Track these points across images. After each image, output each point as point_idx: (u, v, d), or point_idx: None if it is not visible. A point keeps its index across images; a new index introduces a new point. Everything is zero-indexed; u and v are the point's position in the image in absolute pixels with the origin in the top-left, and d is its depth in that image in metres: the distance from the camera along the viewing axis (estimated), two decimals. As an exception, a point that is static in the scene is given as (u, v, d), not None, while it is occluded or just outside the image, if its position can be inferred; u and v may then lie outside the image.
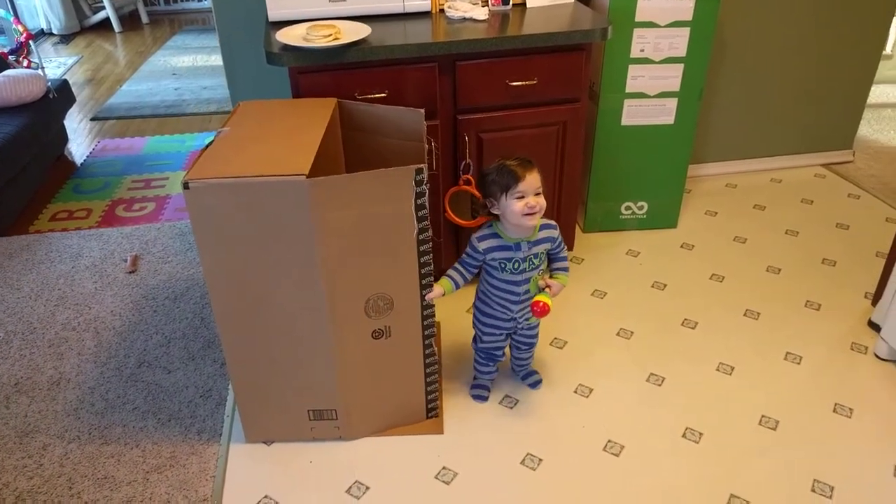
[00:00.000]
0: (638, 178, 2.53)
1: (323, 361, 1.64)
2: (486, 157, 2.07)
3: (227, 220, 1.43)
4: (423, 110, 1.73)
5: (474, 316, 1.83)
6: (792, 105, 2.97)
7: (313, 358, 1.63)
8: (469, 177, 2.01)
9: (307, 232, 1.45)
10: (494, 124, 2.05)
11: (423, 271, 1.58)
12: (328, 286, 1.52)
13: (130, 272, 2.51)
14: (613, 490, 1.64)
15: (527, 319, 1.78)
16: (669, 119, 2.41)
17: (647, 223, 2.65)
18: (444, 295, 1.66)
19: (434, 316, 1.67)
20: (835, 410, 1.84)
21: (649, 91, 2.35)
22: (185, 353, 2.10)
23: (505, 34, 1.94)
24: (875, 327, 2.09)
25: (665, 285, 2.36)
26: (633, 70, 2.31)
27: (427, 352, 1.71)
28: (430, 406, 1.81)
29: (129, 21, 6.04)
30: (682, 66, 2.31)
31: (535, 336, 1.86)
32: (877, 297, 2.13)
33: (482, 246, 1.66)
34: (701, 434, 1.78)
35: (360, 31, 1.89)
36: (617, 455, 1.73)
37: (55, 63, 4.96)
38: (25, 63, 3.54)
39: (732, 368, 1.99)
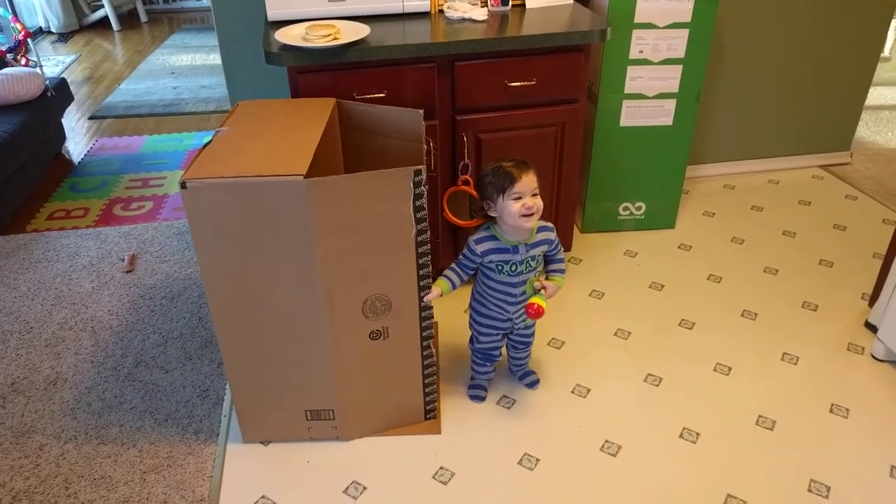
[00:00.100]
0: (636, 178, 2.53)
1: (320, 361, 1.64)
2: (485, 158, 2.07)
3: (225, 219, 1.43)
4: (421, 111, 1.73)
5: (471, 317, 1.83)
6: (790, 106, 2.97)
7: (310, 358, 1.63)
8: (467, 177, 2.01)
9: (305, 232, 1.45)
10: (493, 125, 2.05)
11: (421, 273, 1.58)
12: (326, 286, 1.52)
13: (128, 271, 2.50)
14: (610, 490, 1.64)
15: (523, 320, 1.78)
16: (668, 120, 2.41)
17: (645, 224, 2.65)
18: (441, 296, 1.66)
19: (432, 318, 1.67)
20: (831, 411, 1.85)
21: (648, 92, 2.36)
22: (183, 353, 2.10)
23: (504, 35, 1.94)
24: (872, 328, 2.10)
25: (663, 286, 2.36)
26: (631, 71, 2.31)
27: (425, 353, 1.71)
28: (427, 408, 1.81)
29: (128, 19, 6.03)
30: (680, 67, 2.31)
31: (532, 335, 1.87)
32: (874, 299, 2.14)
33: (479, 248, 1.66)
34: (698, 434, 1.78)
35: (360, 31, 1.89)
36: (614, 455, 1.73)
37: (53, 61, 4.95)
38: (23, 61, 3.53)
39: (730, 369, 1.99)
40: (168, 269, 2.51)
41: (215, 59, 4.94)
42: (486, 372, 1.90)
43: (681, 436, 1.78)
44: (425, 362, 1.73)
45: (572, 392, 1.92)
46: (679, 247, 2.58)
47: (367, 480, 1.68)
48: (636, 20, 2.22)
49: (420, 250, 1.55)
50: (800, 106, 2.98)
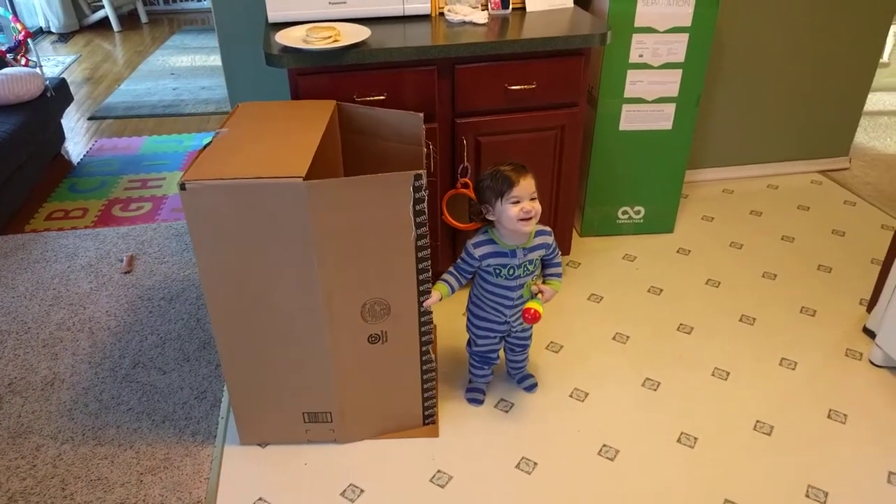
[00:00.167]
0: (635, 182, 2.54)
1: (318, 364, 1.63)
2: (485, 161, 2.07)
3: (224, 221, 1.43)
4: (421, 114, 1.73)
5: (468, 320, 1.83)
6: (789, 112, 2.98)
7: (309, 360, 1.63)
8: (467, 180, 2.01)
9: (304, 234, 1.45)
10: (493, 128, 2.05)
11: (420, 278, 1.58)
12: (325, 289, 1.52)
13: (126, 272, 2.50)
14: (608, 494, 1.64)
15: (520, 323, 1.78)
16: (667, 124, 2.42)
17: (644, 228, 2.65)
18: (440, 300, 1.65)
19: (432, 323, 1.66)
20: (829, 416, 1.85)
21: (647, 96, 2.36)
22: (181, 355, 2.09)
23: (504, 38, 1.94)
24: (870, 334, 2.10)
25: (661, 290, 2.36)
26: (631, 75, 2.32)
27: (424, 359, 1.71)
28: (426, 413, 1.80)
29: (128, 20, 6.03)
30: (680, 71, 2.31)
31: (529, 338, 1.86)
32: (872, 304, 2.14)
33: (478, 252, 1.66)
34: (696, 439, 1.78)
35: (360, 33, 1.89)
36: (612, 459, 1.73)
37: (53, 61, 4.95)
38: (23, 61, 3.53)
39: (728, 374, 1.99)
40: (166, 270, 2.51)
41: (215, 60, 4.94)
42: (484, 375, 1.90)
43: (679, 440, 1.78)
44: (424, 368, 1.72)
45: (570, 396, 1.92)
46: (678, 251, 2.58)
47: (364, 483, 1.67)
48: (636, 24, 2.23)
49: (420, 255, 1.54)
50: (799, 111, 2.98)
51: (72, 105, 3.79)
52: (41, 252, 2.63)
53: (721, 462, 1.72)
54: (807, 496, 1.63)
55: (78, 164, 3.41)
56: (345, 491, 1.65)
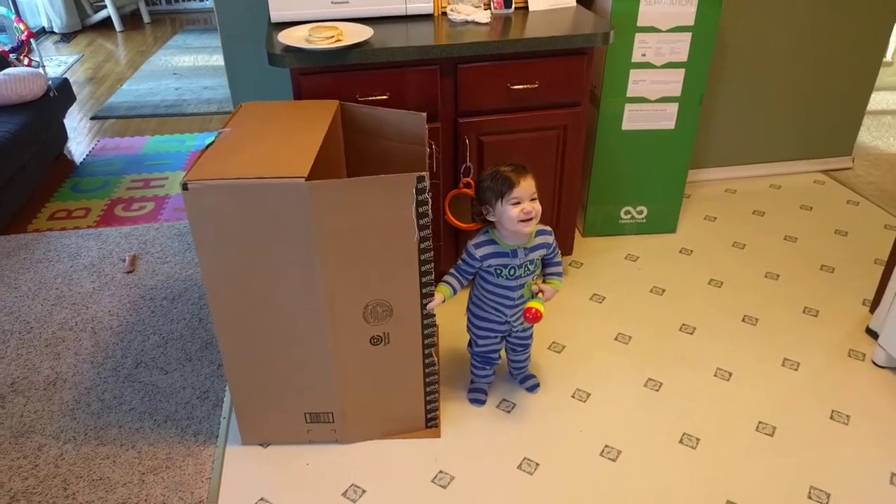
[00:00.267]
0: (638, 182, 2.53)
1: (320, 364, 1.63)
2: (487, 161, 2.07)
3: (226, 221, 1.43)
4: (424, 114, 1.72)
5: (468, 320, 1.83)
6: (792, 111, 2.97)
7: (311, 360, 1.63)
8: (469, 180, 2.00)
9: (306, 234, 1.45)
10: (495, 127, 2.05)
11: (423, 280, 1.57)
12: (327, 289, 1.52)
13: (128, 272, 2.50)
14: (610, 495, 1.64)
15: (521, 323, 1.78)
16: (670, 124, 2.41)
17: (647, 228, 2.65)
18: (443, 302, 1.65)
19: (435, 325, 1.66)
20: (832, 417, 1.84)
21: (650, 96, 2.35)
22: (183, 354, 2.09)
23: (507, 37, 1.94)
24: (873, 334, 2.09)
25: (664, 290, 2.36)
26: (634, 74, 2.31)
27: (427, 361, 1.70)
28: (429, 416, 1.80)
29: (131, 20, 6.04)
30: (683, 71, 2.31)
31: (530, 338, 1.86)
32: (875, 304, 2.13)
33: (479, 253, 1.66)
34: (698, 440, 1.78)
35: (362, 32, 1.89)
36: (614, 460, 1.72)
37: (56, 61, 4.96)
38: (26, 61, 3.54)
39: (730, 374, 1.99)
40: (169, 269, 2.51)
41: (217, 60, 4.94)
42: (486, 375, 1.90)
43: (681, 441, 1.78)
44: (427, 370, 1.72)
45: (572, 396, 1.92)
46: (680, 251, 2.57)
47: (366, 483, 1.67)
48: (639, 23, 2.22)
49: (423, 257, 1.54)
50: (802, 110, 2.98)
51: (74, 105, 3.79)
52: (44, 252, 2.63)
53: (723, 463, 1.71)
54: (809, 497, 1.62)
55: (80, 163, 3.41)
56: (346, 491, 1.65)
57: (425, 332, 1.65)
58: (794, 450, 1.75)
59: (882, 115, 3.75)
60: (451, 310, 2.17)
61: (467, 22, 2.07)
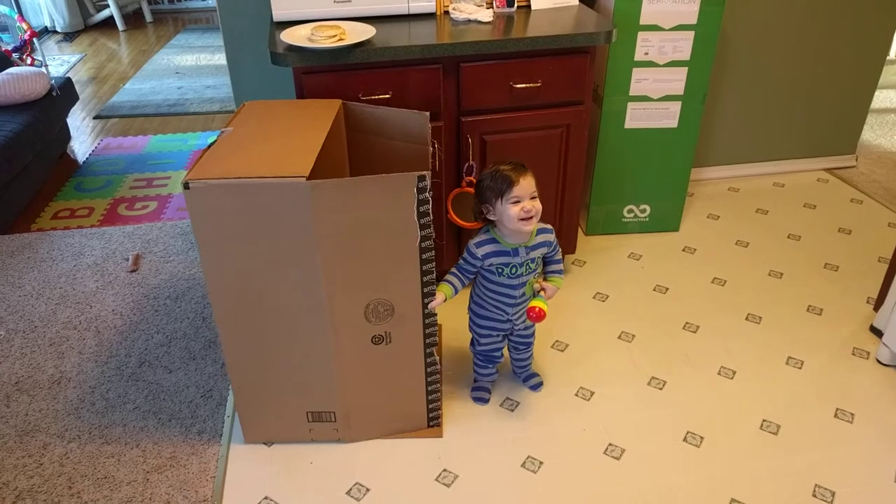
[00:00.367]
0: (641, 181, 2.53)
1: (322, 363, 1.63)
2: (490, 159, 2.07)
3: (228, 220, 1.43)
4: (427, 113, 1.72)
5: (470, 319, 1.83)
6: (795, 109, 2.96)
7: (312, 359, 1.63)
8: (472, 178, 2.01)
9: (307, 234, 1.45)
10: (498, 126, 2.05)
11: (425, 279, 1.57)
12: (328, 289, 1.52)
13: (132, 271, 2.51)
14: (613, 493, 1.63)
15: (523, 321, 1.78)
16: (673, 122, 2.41)
17: (650, 226, 2.65)
18: (445, 301, 1.65)
19: (436, 325, 1.66)
20: (836, 416, 1.84)
21: (653, 94, 2.35)
22: (187, 353, 2.10)
23: (509, 36, 1.94)
24: (877, 332, 2.09)
25: (667, 289, 2.35)
26: (636, 73, 2.31)
27: (428, 361, 1.70)
28: (431, 416, 1.80)
29: (133, 19, 6.05)
30: (685, 69, 2.30)
31: (532, 336, 1.86)
32: (879, 303, 2.13)
33: (480, 252, 1.66)
34: (702, 438, 1.78)
35: (365, 31, 1.89)
36: (618, 458, 1.72)
37: (59, 61, 4.96)
38: (29, 61, 3.54)
39: (734, 373, 1.99)
40: (172, 268, 2.51)
41: (220, 59, 4.94)
42: (489, 374, 1.90)
43: (685, 439, 1.78)
44: (429, 370, 1.72)
45: (576, 395, 1.92)
46: (683, 250, 2.57)
47: (370, 482, 1.67)
48: (642, 22, 2.22)
49: (424, 256, 1.54)
50: (805, 108, 2.97)
51: (77, 104, 3.80)
52: (47, 251, 2.63)
53: (727, 461, 1.71)
54: (814, 496, 1.62)
55: (84, 163, 3.42)
56: (350, 490, 1.66)
57: (427, 331, 1.65)
58: (799, 448, 1.75)
59: (886, 113, 3.74)
60: (453, 309, 2.18)
61: (470, 21, 2.07)
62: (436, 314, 1.64)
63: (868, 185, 3.00)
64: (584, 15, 2.12)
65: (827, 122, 3.03)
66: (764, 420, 1.83)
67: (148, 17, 6.08)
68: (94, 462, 1.74)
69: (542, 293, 1.70)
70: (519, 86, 1.99)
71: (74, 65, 4.90)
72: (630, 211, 2.61)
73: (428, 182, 1.44)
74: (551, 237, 1.72)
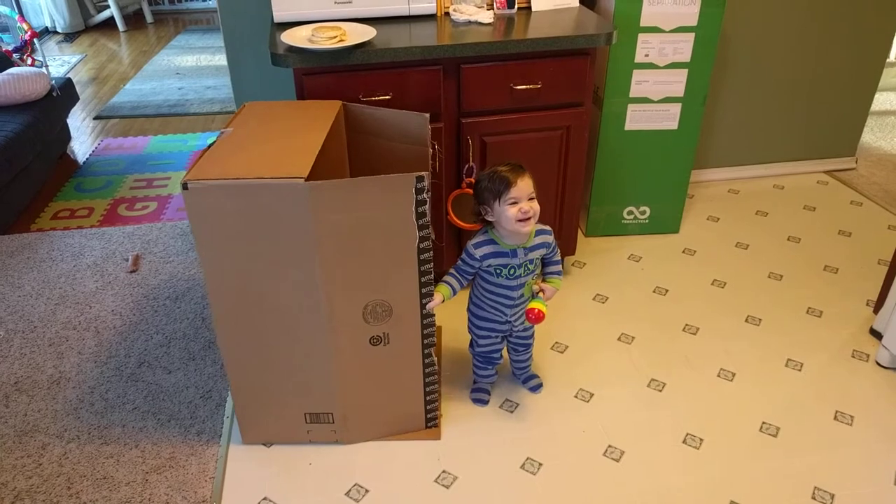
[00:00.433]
0: (641, 182, 2.53)
1: (320, 364, 1.63)
2: (490, 161, 2.07)
3: (226, 221, 1.43)
4: (427, 115, 1.72)
5: (469, 320, 1.83)
6: (795, 111, 2.97)
7: (310, 360, 1.63)
8: (472, 180, 2.01)
9: (306, 235, 1.45)
10: (498, 128, 2.05)
11: (423, 280, 1.57)
12: (326, 289, 1.52)
13: (132, 272, 2.50)
14: (613, 495, 1.63)
15: (521, 322, 1.77)
16: (673, 124, 2.41)
17: (650, 228, 2.65)
18: (443, 302, 1.65)
19: (434, 325, 1.66)
20: (836, 418, 1.84)
21: (653, 96, 2.35)
22: (186, 354, 2.10)
23: (510, 38, 1.94)
24: (877, 335, 2.09)
25: (667, 290, 2.35)
26: (637, 75, 2.31)
27: (426, 361, 1.70)
28: (429, 416, 1.80)
29: (134, 20, 6.05)
30: (686, 71, 2.31)
31: (531, 337, 1.86)
32: (879, 305, 2.13)
33: (479, 253, 1.66)
34: (701, 440, 1.77)
35: (366, 33, 1.89)
36: (617, 460, 1.72)
37: (59, 61, 4.97)
38: (29, 61, 3.54)
39: (733, 375, 1.99)
40: (172, 269, 2.51)
41: (220, 60, 4.95)
42: (488, 375, 1.90)
43: (684, 441, 1.77)
44: (426, 370, 1.72)
45: (575, 396, 1.92)
46: (683, 251, 2.57)
47: (369, 483, 1.67)
48: (642, 24, 2.22)
49: (422, 257, 1.54)
50: (805, 110, 2.97)
51: (77, 105, 3.80)
52: (47, 251, 2.63)
53: (726, 463, 1.71)
54: (813, 498, 1.62)
55: (84, 163, 3.42)
56: (349, 491, 1.65)
57: (424, 331, 1.65)
58: (798, 450, 1.75)
59: (886, 115, 3.74)
60: (453, 310, 2.18)
61: (470, 22, 2.07)
62: (434, 315, 1.64)
63: (868, 188, 3.00)
64: (585, 16, 2.12)
65: (827, 125, 3.03)
66: (763, 422, 1.83)
67: (148, 18, 6.08)
68: (93, 462, 1.74)
69: (540, 294, 1.70)
70: (519, 87, 1.99)
71: (75, 65, 4.90)
72: (630, 213, 2.61)
73: (426, 182, 1.44)
74: (550, 238, 1.72)
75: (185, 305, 2.31)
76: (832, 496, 1.62)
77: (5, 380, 2.02)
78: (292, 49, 1.84)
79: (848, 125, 3.06)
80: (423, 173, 1.43)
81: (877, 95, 3.04)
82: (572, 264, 2.48)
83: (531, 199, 1.60)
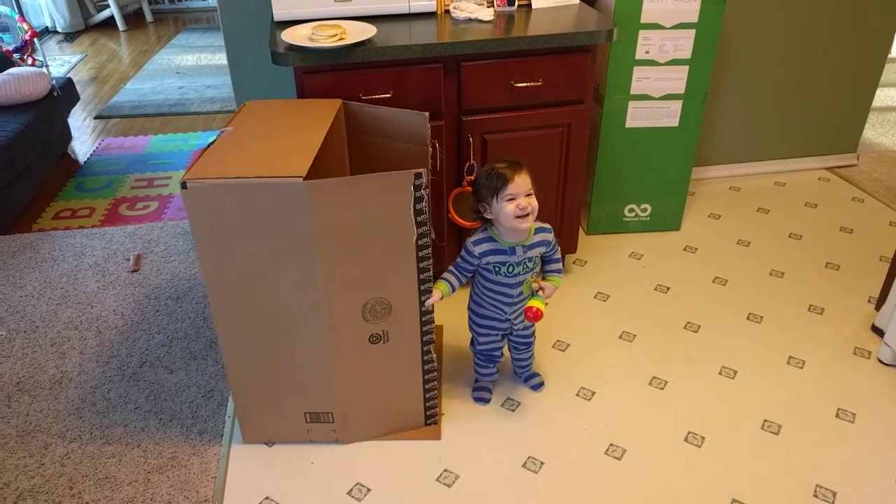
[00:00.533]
0: (642, 180, 2.53)
1: (320, 363, 1.63)
2: (491, 159, 2.06)
3: (226, 220, 1.43)
4: (427, 113, 1.71)
5: (469, 318, 1.83)
6: (796, 108, 2.96)
7: (310, 359, 1.63)
8: (473, 178, 2.01)
9: (305, 234, 1.44)
10: (499, 125, 2.05)
11: (422, 277, 1.57)
12: (326, 288, 1.52)
13: (133, 271, 2.51)
14: (615, 493, 1.63)
15: (521, 321, 1.77)
16: (674, 121, 2.40)
17: (651, 225, 2.64)
18: (441, 299, 1.65)
19: (433, 323, 1.66)
20: (837, 415, 1.84)
21: (654, 93, 2.35)
22: (188, 353, 2.10)
23: (510, 35, 1.93)
24: (879, 332, 2.09)
25: (668, 288, 2.35)
26: (637, 72, 2.30)
27: (426, 359, 1.70)
28: (428, 414, 1.80)
29: (134, 19, 6.05)
30: (686, 68, 2.30)
31: (532, 336, 1.86)
32: (880, 302, 2.12)
33: (477, 250, 1.66)
34: (703, 438, 1.77)
35: (366, 31, 1.89)
36: (619, 458, 1.72)
37: (59, 61, 4.97)
38: (30, 61, 3.54)
39: (735, 372, 1.98)
40: (173, 268, 2.51)
41: (220, 59, 4.94)
42: (490, 374, 1.90)
43: (686, 439, 1.77)
44: (426, 367, 1.72)
45: (577, 395, 1.92)
46: (685, 249, 2.57)
47: (371, 482, 1.67)
48: (642, 20, 2.22)
49: (421, 254, 1.54)
50: (806, 107, 2.97)
51: (78, 104, 3.80)
52: (48, 251, 2.64)
53: (728, 461, 1.71)
54: (815, 496, 1.62)
55: (85, 163, 3.42)
56: (351, 490, 1.65)
57: (424, 329, 1.65)
58: (800, 448, 1.74)
59: (887, 111, 3.73)
60: (454, 308, 2.18)
61: (470, 20, 2.06)
62: (432, 312, 1.64)
63: (869, 184, 3.00)
64: (585, 13, 2.12)
65: (828, 121, 3.02)
66: (765, 419, 1.82)
67: (148, 17, 6.08)
68: (95, 462, 1.74)
69: (540, 293, 1.70)
70: (520, 85, 1.98)
71: (75, 65, 4.90)
72: (631, 210, 2.61)
73: (424, 179, 1.44)
74: (550, 236, 1.72)
75: (187, 305, 2.31)
76: (834, 494, 1.62)
77: (7, 380, 2.02)
78: (292, 47, 1.84)
79: (849, 121, 3.05)
80: (420, 170, 1.43)
81: (878, 92, 3.03)
82: (573, 262, 2.48)
83: (529, 195, 1.59)
